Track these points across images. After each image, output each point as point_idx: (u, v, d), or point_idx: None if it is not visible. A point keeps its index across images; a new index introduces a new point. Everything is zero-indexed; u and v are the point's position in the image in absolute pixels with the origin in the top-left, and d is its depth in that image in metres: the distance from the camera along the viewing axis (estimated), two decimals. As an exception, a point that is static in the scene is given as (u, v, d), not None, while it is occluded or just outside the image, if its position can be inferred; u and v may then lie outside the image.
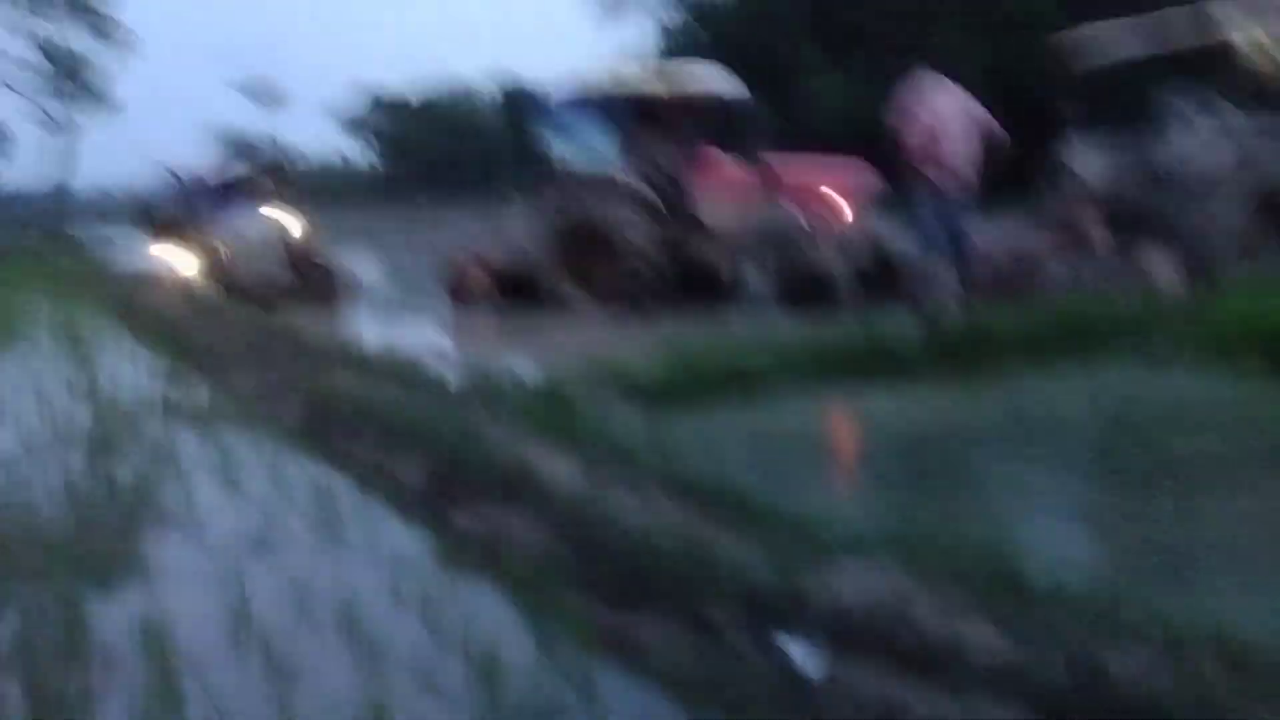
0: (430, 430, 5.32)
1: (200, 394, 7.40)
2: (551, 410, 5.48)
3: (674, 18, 54.09)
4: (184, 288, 12.66)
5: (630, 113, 11.33)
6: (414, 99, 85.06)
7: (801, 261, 10.39)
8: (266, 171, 14.44)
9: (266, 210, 13.54)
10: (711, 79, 12.02)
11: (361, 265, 13.85)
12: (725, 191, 11.14)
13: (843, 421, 5.58)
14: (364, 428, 5.92)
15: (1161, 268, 9.10)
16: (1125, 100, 11.16)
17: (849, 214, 10.62)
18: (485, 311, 11.95)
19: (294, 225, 13.57)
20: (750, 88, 11.69)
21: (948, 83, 6.93)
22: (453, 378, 6.56)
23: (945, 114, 6.77)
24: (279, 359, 8.10)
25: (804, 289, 10.27)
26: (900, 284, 10.74)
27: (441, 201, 72.88)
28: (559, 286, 11.54)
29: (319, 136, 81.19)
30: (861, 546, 2.93)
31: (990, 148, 7.01)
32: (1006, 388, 6.09)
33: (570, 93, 11.82)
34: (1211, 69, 10.20)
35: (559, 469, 4.49)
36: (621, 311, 11.09)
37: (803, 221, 10.72)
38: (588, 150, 11.31)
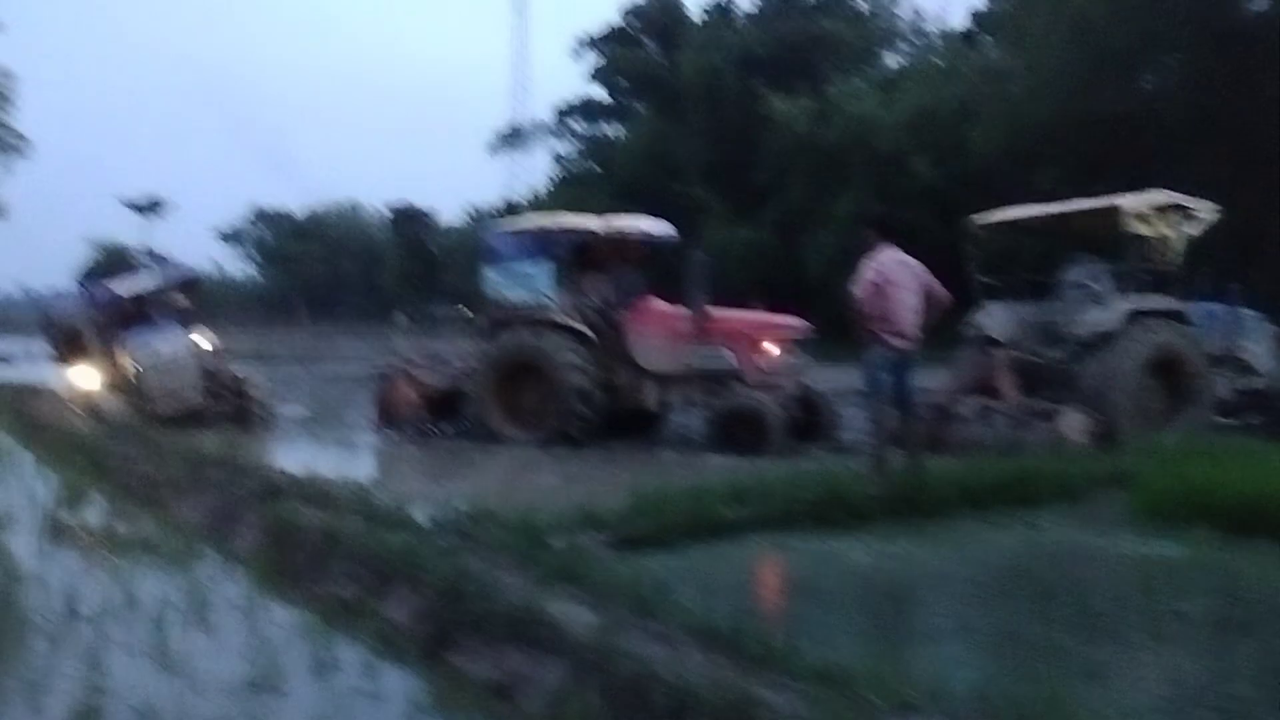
0: (412, 566, 5.28)
1: (142, 526, 7.15)
2: (534, 548, 5.50)
3: (569, 151, 55.91)
4: (94, 406, 12.18)
5: (567, 248, 11.64)
6: (298, 212, 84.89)
7: (734, 402, 10.71)
8: (179, 286, 14.11)
9: (180, 327, 13.22)
10: (647, 223, 12.48)
11: (268, 385, 13.54)
12: (659, 332, 11.47)
13: (820, 567, 5.76)
14: (333, 563, 5.84)
15: (1072, 425, 9.72)
16: (1031, 272, 12.10)
17: (780, 359, 11.04)
18: (413, 434, 11.86)
19: (208, 343, 13.28)
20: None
21: (895, 246, 7.44)
22: (411, 509, 6.49)
23: (894, 273, 7.25)
24: (215, 485, 7.90)
25: (735, 428, 10.55)
26: (823, 428, 11.21)
27: (323, 318, 72.31)
28: (489, 414, 11.58)
29: (197, 248, 79.18)
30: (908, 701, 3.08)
31: (933, 306, 7.50)
32: (960, 539, 6.39)
33: (509, 227, 12.09)
34: (1113, 250, 11.17)
35: (565, 610, 4.53)
36: (551, 443, 11.19)
37: (734, 364, 11.09)
38: (524, 284, 11.52)
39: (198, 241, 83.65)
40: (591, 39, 49.76)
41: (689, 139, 45.49)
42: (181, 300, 13.76)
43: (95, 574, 5.92)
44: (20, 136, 42.80)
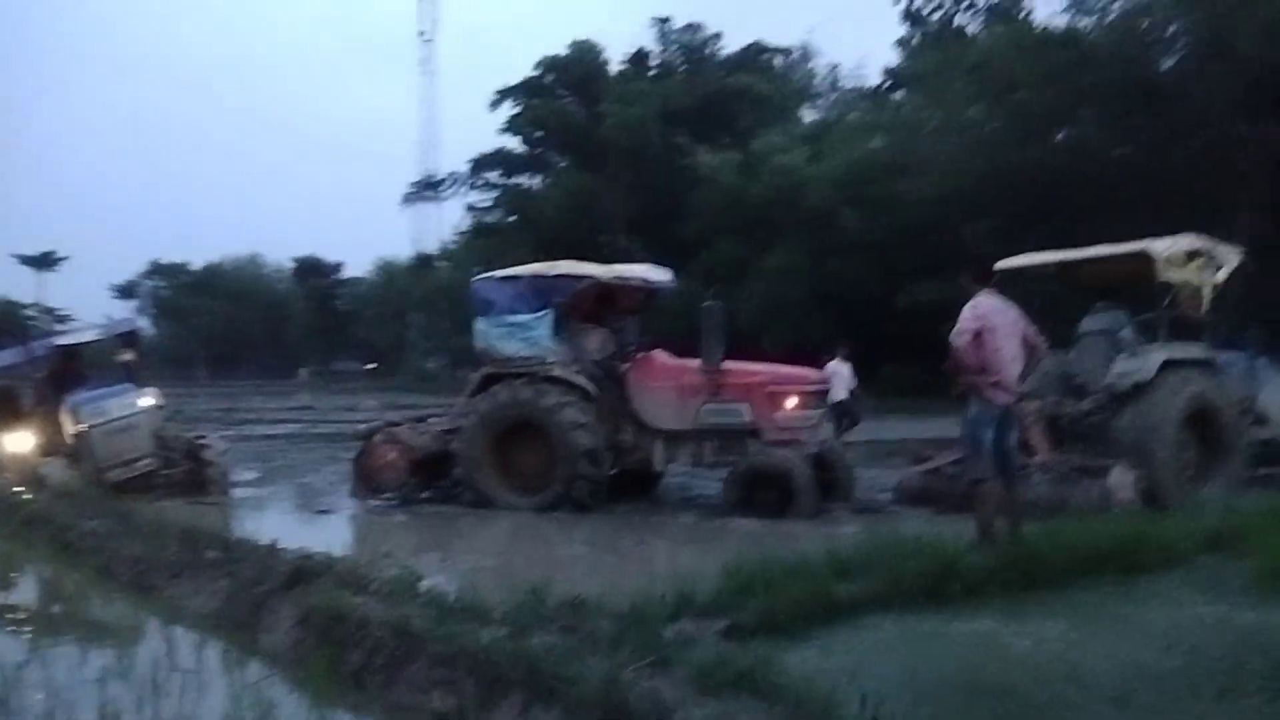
0: (529, 670, 4.40)
1: (145, 621, 6.07)
2: (653, 642, 4.67)
3: (484, 202, 55.02)
4: (34, 474, 10.81)
5: (567, 297, 10.83)
6: (195, 264, 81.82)
7: (758, 461, 9.99)
8: (121, 339, 12.81)
9: (129, 384, 11.94)
10: (648, 270, 11.78)
11: (225, 448, 12.32)
12: (666, 386, 10.72)
13: (975, 654, 5.04)
14: (408, 664, 4.91)
15: (1122, 482, 9.26)
16: (1052, 322, 11.73)
17: (799, 415, 10.38)
18: (398, 501, 10.82)
19: (155, 403, 12.01)
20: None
21: (994, 291, 6.87)
22: (461, 591, 5.57)
23: (995, 320, 6.68)
24: (216, 566, 6.83)
25: (759, 489, 9.83)
26: (841, 486, 10.56)
27: (224, 374, 69.45)
28: (482, 477, 10.64)
29: (91, 302, 75.61)
30: None
31: (1031, 355, 6.96)
32: (1097, 615, 5.76)
33: (503, 276, 11.24)
34: (1130, 297, 10.87)
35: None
36: (551, 507, 10.31)
37: (751, 419, 10.39)
38: (520, 335, 10.67)
39: (91, 295, 79.89)
40: (508, 90, 49.23)
41: (613, 190, 45.18)
42: (126, 354, 12.47)
43: (114, 685, 4.87)
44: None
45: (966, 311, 6.70)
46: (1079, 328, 11.15)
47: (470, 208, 54.27)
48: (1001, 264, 11.47)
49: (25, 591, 7.26)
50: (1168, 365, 10.01)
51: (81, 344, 12.58)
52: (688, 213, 41.92)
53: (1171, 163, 33.22)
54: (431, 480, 11.15)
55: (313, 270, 74.15)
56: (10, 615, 6.63)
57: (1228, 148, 32.13)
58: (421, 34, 71.54)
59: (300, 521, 9.77)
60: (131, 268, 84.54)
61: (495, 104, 48.36)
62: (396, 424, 11.40)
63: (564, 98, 48.59)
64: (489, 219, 52.60)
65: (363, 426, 11.54)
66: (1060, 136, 35.46)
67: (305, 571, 6.19)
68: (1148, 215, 29.39)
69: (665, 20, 48.35)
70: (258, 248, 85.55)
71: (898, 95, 44.70)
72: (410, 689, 4.76)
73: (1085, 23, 34.46)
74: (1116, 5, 33.85)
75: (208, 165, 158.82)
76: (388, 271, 72.41)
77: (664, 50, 48.77)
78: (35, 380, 12.21)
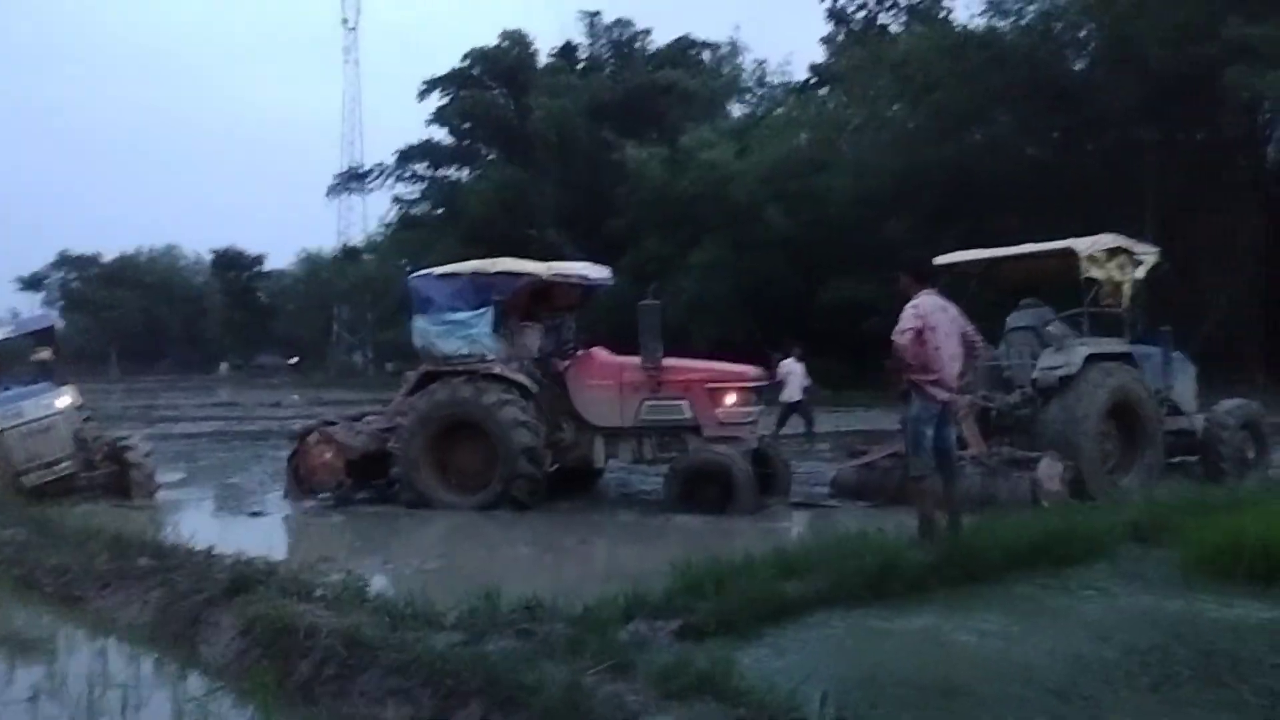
0: (488, 678, 4.37)
1: (75, 635, 5.88)
2: (609, 646, 4.67)
3: (411, 194, 54.32)
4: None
5: (506, 294, 10.75)
6: (107, 256, 79.30)
7: (698, 458, 10.04)
8: (36, 336, 12.35)
9: (45, 383, 11.53)
10: (587, 268, 11.74)
11: (148, 449, 11.96)
12: (605, 383, 10.71)
13: (927, 650, 5.14)
14: (359, 675, 4.83)
15: (1050, 474, 9.52)
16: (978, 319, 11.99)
17: (739, 411, 10.46)
18: (333, 501, 10.63)
19: (74, 402, 11.61)
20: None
21: (933, 291, 7.00)
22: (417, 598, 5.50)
23: (935, 319, 6.81)
24: (148, 576, 6.64)
25: (699, 486, 9.89)
26: (778, 481, 10.67)
27: (138, 369, 67.35)
28: (420, 476, 10.52)
29: (-7, 294, 72.94)
30: None
31: (970, 355, 7.11)
32: (1038, 609, 5.91)
33: (442, 273, 11.10)
34: (1059, 294, 11.18)
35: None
36: (490, 507, 10.25)
37: (691, 416, 10.44)
38: (459, 333, 10.56)
39: (-2, 291, 77.12)
40: (435, 80, 48.73)
41: (541, 184, 44.99)
42: (43, 352, 12.03)
43: (46, 703, 4.71)
44: None
45: (908, 310, 6.82)
46: (1006, 324, 11.43)
47: (397, 199, 53.71)
48: (938, 261, 11.74)
49: None
50: (1091, 359, 10.33)
51: (-5, 343, 12.10)
52: (616, 208, 41.93)
53: (1080, 162, 34.32)
54: (368, 480, 10.98)
55: (233, 262, 72.38)
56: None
57: (1133, 149, 33.29)
58: (345, 21, 70.41)
59: (233, 525, 9.54)
60: (40, 259, 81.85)
61: (423, 94, 47.90)
62: (332, 423, 11.20)
63: (492, 89, 48.24)
64: (416, 211, 52.05)
65: (298, 425, 11.33)
66: (976, 135, 36.25)
67: (245, 579, 6.05)
68: (1059, 213, 30.34)
69: (595, 14, 48.30)
70: (177, 240, 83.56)
71: (822, 92, 45.32)
72: (363, 700, 4.68)
73: (1002, 24, 35.33)
74: (1032, 8, 34.77)
75: (122, 157, 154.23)
76: (311, 264, 71.16)
77: (592, 44, 48.74)
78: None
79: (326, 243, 68.65)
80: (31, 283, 79.10)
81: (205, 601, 5.93)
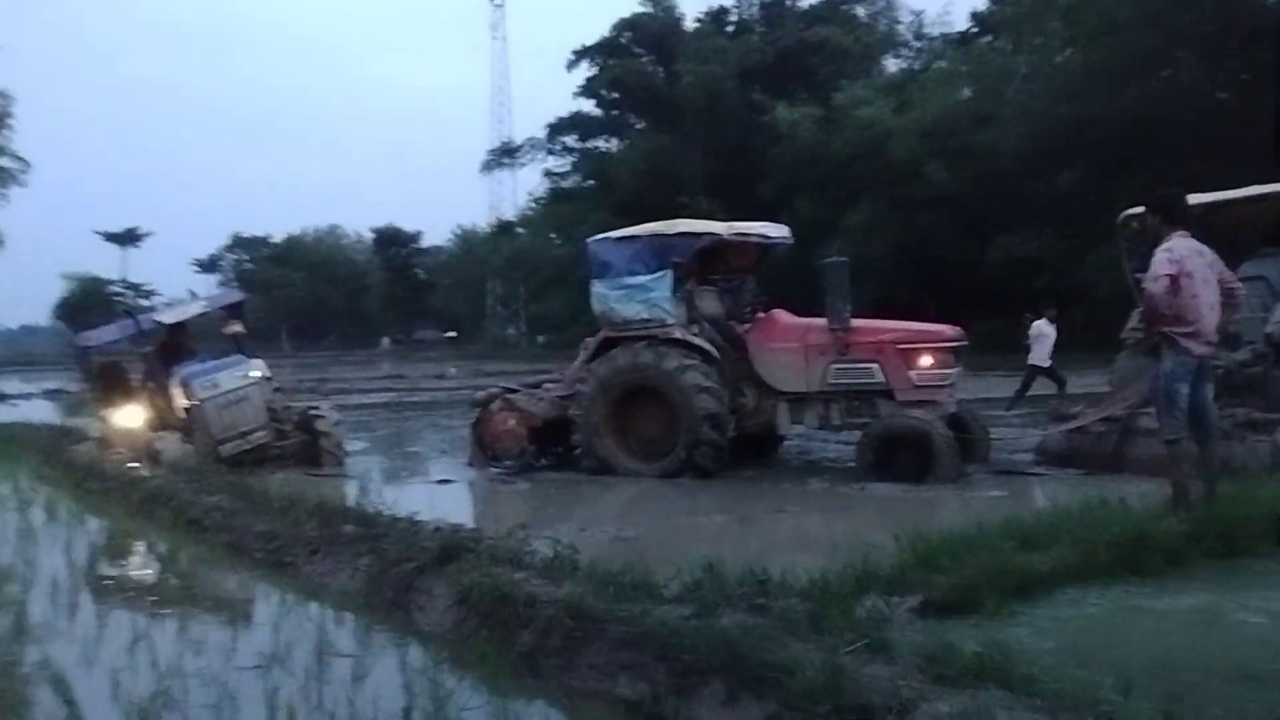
0: (700, 647, 4.06)
1: (292, 604, 5.86)
2: (852, 622, 4.29)
3: (561, 167, 54.70)
4: (147, 449, 10.78)
5: (687, 256, 10.41)
6: (275, 237, 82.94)
7: (895, 423, 9.50)
8: (228, 310, 12.74)
9: (239, 356, 11.87)
10: (767, 227, 11.30)
11: (338, 419, 12.19)
12: (790, 347, 10.27)
13: (1215, 635, 4.56)
14: (586, 648, 4.58)
15: (1291, 437, 8.60)
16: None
17: (935, 373, 9.86)
18: (517, 468, 10.57)
19: (265, 374, 11.92)
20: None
21: (1186, 233, 6.28)
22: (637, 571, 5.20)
23: (1192, 265, 6.10)
24: (356, 543, 6.61)
25: (897, 453, 9.36)
26: (977, 448, 10.01)
27: (306, 345, 70.32)
28: (602, 443, 10.34)
29: (174, 277, 77.43)
30: None
31: (1228, 304, 6.38)
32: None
33: (620, 236, 10.85)
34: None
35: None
36: (674, 474, 9.98)
37: (883, 380, 9.90)
38: (639, 297, 10.29)
39: (174, 270, 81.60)
40: (584, 51, 48.73)
41: (690, 151, 44.55)
42: (234, 326, 12.39)
43: (275, 673, 4.64)
44: (20, 160, 40.98)
45: (1160, 255, 6.12)
46: (1238, 273, 10.39)
47: (548, 173, 54.17)
48: (1134, 210, 10.79)
49: (160, 572, 7.10)
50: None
51: (190, 316, 12.51)
52: (767, 171, 41.15)
53: (1275, 107, 31.58)
54: (550, 447, 10.87)
55: (391, 240, 74.70)
56: (151, 597, 6.48)
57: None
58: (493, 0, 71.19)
59: (424, 492, 9.54)
60: (214, 242, 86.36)
61: (572, 65, 48.05)
62: (513, 390, 11.12)
63: (641, 57, 47.94)
64: (566, 184, 52.39)
65: (480, 394, 11.29)
66: (1158, 80, 33.87)
67: (454, 546, 5.92)
68: (1250, 163, 28.01)
69: (744, -26, 47.32)
70: (337, 219, 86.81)
71: (984, 41, 43.24)
72: (592, 674, 4.44)
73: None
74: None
75: (286, 142, 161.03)
76: (466, 239, 72.72)
77: (741, 5, 47.75)
78: (143, 355, 12.19)
79: (480, 219, 69.92)
80: (207, 265, 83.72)
81: (417, 569, 5.83)
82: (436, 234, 77.82)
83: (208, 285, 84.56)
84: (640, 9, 48.91)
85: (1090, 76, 33.76)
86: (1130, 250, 10.86)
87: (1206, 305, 6.14)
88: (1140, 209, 10.89)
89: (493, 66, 79.73)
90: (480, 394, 11.30)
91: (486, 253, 65.53)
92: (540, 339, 68.02)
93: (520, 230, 61.04)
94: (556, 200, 53.72)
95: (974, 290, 35.49)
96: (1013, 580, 5.12)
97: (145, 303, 75.65)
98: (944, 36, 44.12)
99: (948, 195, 35.95)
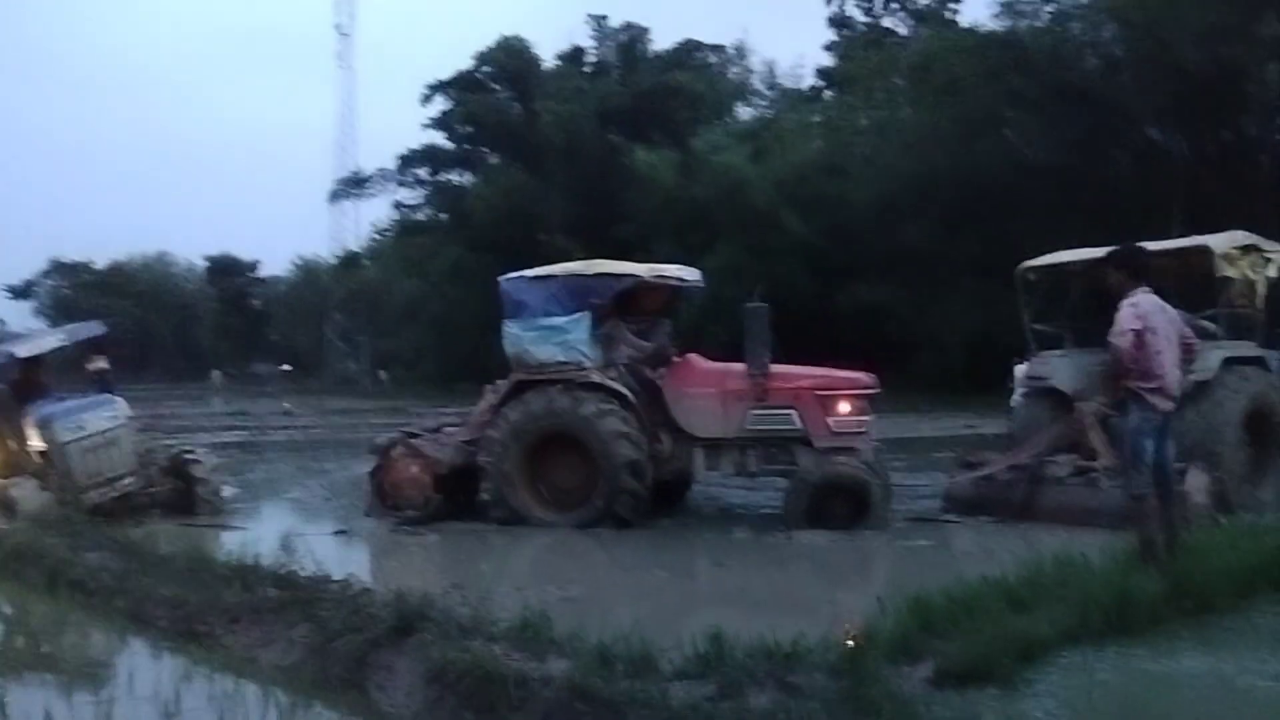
0: None
1: (225, 686, 5.17)
2: (889, 700, 4.05)
3: (413, 199, 53.46)
4: (6, 501, 9.58)
5: (606, 298, 10.10)
6: (97, 263, 77.86)
7: (829, 470, 9.39)
8: (90, 345, 11.61)
9: (105, 396, 10.78)
10: (684, 270, 11.11)
11: (213, 463, 11.22)
12: (706, 392, 10.06)
13: (1236, 701, 4.52)
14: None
15: (1198, 486, 8.93)
16: (1082, 319, 11.45)
17: (853, 420, 9.83)
18: (419, 519, 9.93)
19: (128, 414, 10.88)
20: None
21: (1148, 289, 6.38)
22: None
23: (1155, 320, 6.20)
24: (281, 609, 5.95)
25: (830, 500, 9.25)
26: (869, 505, 9.81)
27: (129, 378, 65.87)
28: (514, 492, 9.85)
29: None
30: None
31: (1187, 360, 6.51)
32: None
33: (534, 275, 10.43)
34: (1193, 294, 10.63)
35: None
36: (590, 524, 9.60)
37: (800, 426, 9.80)
38: (555, 339, 9.90)
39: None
40: (440, 84, 47.97)
41: (548, 189, 44.28)
42: (99, 361, 11.29)
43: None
44: None
45: (1125, 310, 6.19)
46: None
47: (398, 205, 52.81)
48: (1049, 260, 11.16)
49: (56, 649, 6.19)
50: (1227, 363, 9.77)
51: (45, 352, 11.31)
52: (626, 213, 41.26)
53: (1105, 165, 33.89)
54: (454, 496, 10.28)
55: (226, 269, 71.19)
56: (46, 676, 5.63)
57: (1159, 153, 32.93)
58: (338, 28, 69.35)
59: (323, 546, 8.83)
60: (30, 267, 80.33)
61: (427, 99, 47.09)
62: (414, 435, 10.49)
63: (497, 93, 47.53)
64: (418, 216, 51.21)
65: (380, 439, 10.60)
66: (997, 138, 35.85)
67: (410, 615, 5.38)
68: (1081, 219, 29.97)
69: (603, 18, 47.69)
70: (167, 247, 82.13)
71: (827, 95, 44.84)
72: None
73: (1020, 25, 34.89)
74: (1049, 8, 34.41)
75: (113, 166, 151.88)
76: (306, 270, 70.06)
77: (599, 47, 48.08)
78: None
79: (320, 249, 67.56)
80: (21, 291, 77.71)
81: (369, 642, 5.26)
82: (275, 264, 74.76)
83: (20, 312, 78.54)
84: (494, 45, 48.55)
85: (934, 134, 35.38)
86: (1028, 302, 11.21)
87: (1170, 361, 6.25)
88: (1039, 261, 11.32)
89: (338, 96, 77.73)
90: (380, 439, 10.62)
91: (329, 285, 63.32)
92: (383, 375, 66.05)
93: (367, 263, 59.24)
94: (407, 233, 52.39)
95: (825, 335, 36.42)
96: (1016, 645, 4.99)
97: (17, 334, 69.68)
98: (795, 90, 45.45)
99: (802, 243, 36.88)
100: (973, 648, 4.84)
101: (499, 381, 10.37)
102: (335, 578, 6.35)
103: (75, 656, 5.82)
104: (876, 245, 36.06)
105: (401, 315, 53.72)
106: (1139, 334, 6.11)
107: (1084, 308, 11.65)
